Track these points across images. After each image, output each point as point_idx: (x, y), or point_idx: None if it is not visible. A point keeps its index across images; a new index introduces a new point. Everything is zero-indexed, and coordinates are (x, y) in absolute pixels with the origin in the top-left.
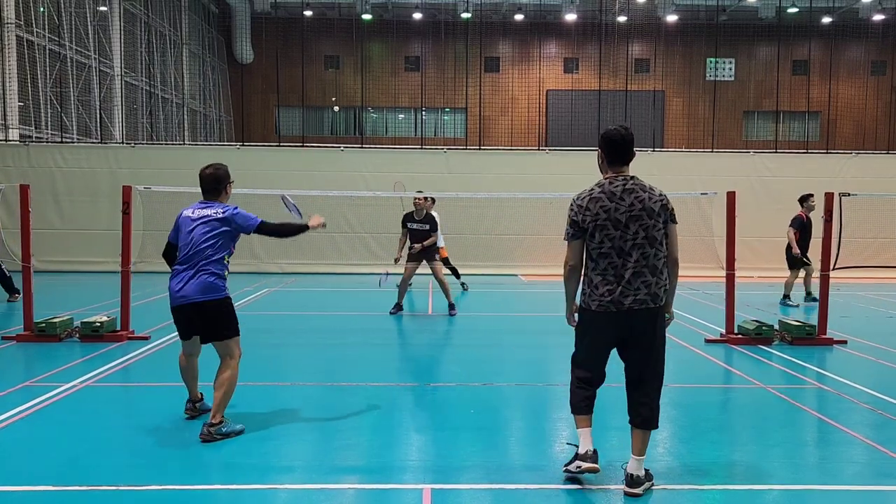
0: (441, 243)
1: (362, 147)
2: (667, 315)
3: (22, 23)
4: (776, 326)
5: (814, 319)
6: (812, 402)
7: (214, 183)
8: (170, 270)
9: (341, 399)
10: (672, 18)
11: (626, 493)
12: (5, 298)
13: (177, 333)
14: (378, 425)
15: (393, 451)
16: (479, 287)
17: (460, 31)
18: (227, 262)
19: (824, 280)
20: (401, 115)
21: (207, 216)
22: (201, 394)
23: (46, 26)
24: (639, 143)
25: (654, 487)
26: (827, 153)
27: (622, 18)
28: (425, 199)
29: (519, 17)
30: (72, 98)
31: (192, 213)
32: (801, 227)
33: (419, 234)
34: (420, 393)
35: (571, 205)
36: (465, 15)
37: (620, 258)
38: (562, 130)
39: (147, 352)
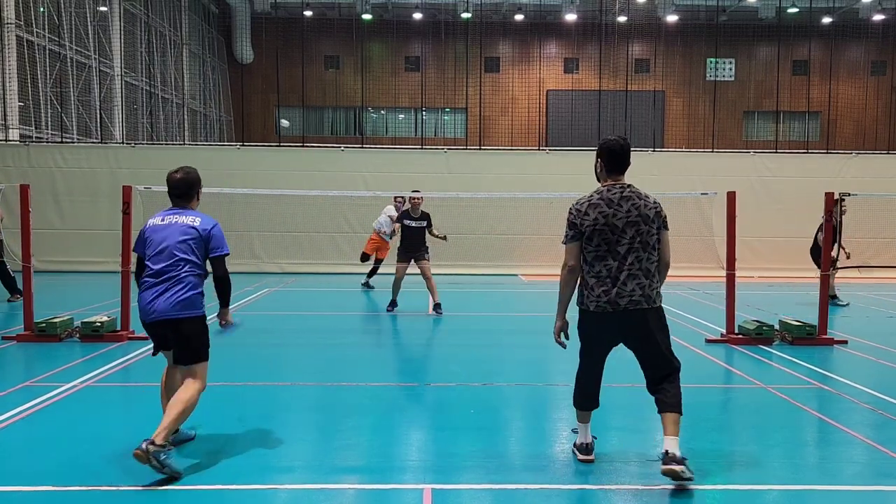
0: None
1: (362, 147)
2: None
3: (22, 23)
4: (776, 326)
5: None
6: (812, 402)
7: (185, 188)
8: None
9: (341, 399)
10: (672, 18)
11: (667, 473)
12: (5, 298)
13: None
14: (378, 425)
15: (393, 451)
16: (479, 287)
17: (460, 31)
18: (206, 274)
19: (824, 280)
20: (401, 115)
21: (183, 224)
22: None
23: (46, 26)
24: (639, 144)
25: (654, 487)
26: (827, 153)
27: (622, 18)
28: (421, 198)
29: (519, 17)
30: (72, 98)
31: (162, 220)
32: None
33: (416, 231)
34: (420, 393)
35: (571, 209)
36: (465, 15)
37: (616, 261)
38: (562, 130)
39: (147, 352)
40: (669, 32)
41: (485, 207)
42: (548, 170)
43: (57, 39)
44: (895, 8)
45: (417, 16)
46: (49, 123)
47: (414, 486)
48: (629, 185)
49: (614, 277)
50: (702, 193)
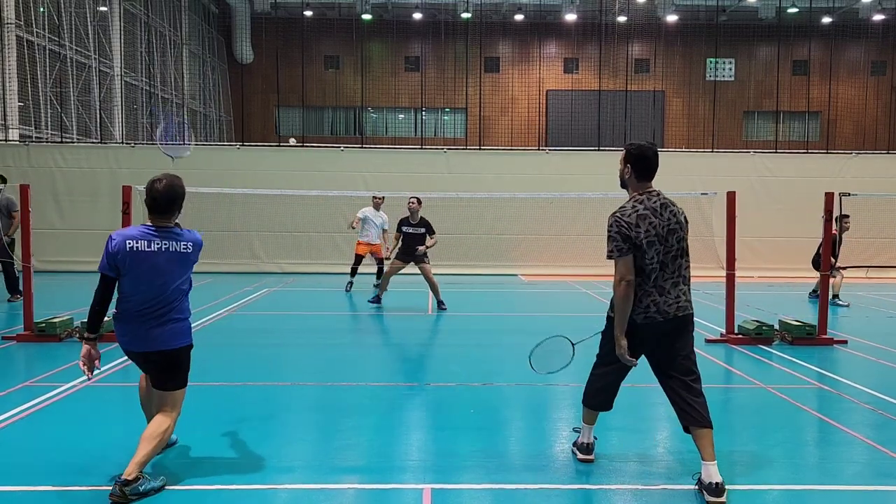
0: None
1: (362, 147)
2: None
3: (22, 23)
4: (776, 326)
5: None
6: (812, 401)
7: (170, 200)
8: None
9: (341, 399)
10: (672, 18)
11: None
12: (5, 298)
13: None
14: (378, 425)
15: (393, 451)
16: (479, 287)
17: (460, 31)
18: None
19: (824, 280)
20: (401, 115)
21: (178, 252)
22: None
23: (46, 26)
24: None
25: (654, 487)
26: (827, 153)
27: (622, 18)
28: (418, 201)
29: (519, 17)
30: (72, 98)
31: (148, 245)
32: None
33: (416, 238)
34: (420, 393)
35: (618, 221)
36: (465, 15)
37: (662, 271)
38: (562, 130)
39: None
40: (669, 32)
41: (485, 207)
42: (547, 170)
43: (57, 39)
44: (895, 8)
45: (417, 16)
46: (49, 123)
47: (414, 486)
48: (661, 192)
49: (660, 287)
50: (702, 193)
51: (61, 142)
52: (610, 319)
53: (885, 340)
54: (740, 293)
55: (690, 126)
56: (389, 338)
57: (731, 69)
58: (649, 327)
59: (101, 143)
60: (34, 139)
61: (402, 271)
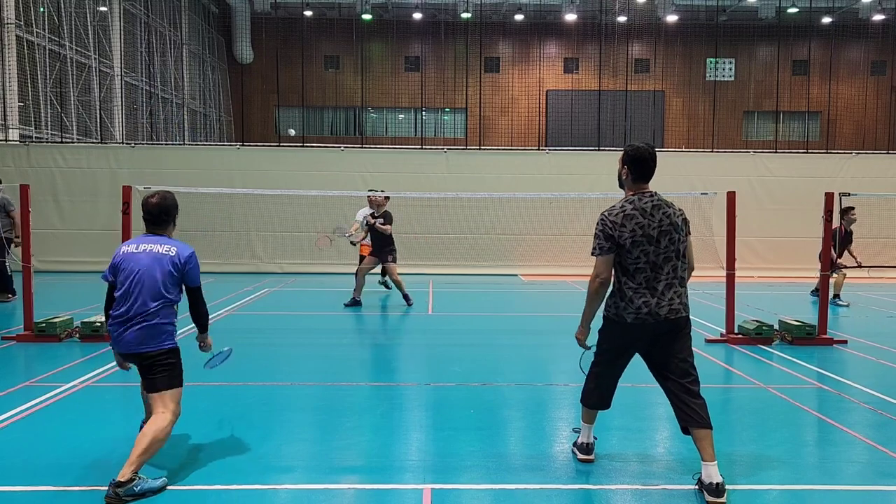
0: (367, 240)
1: (362, 147)
2: None
3: (22, 23)
4: (776, 326)
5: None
6: (812, 401)
7: (162, 214)
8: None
9: (341, 399)
10: (672, 18)
11: None
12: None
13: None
14: (378, 425)
15: (393, 451)
16: (479, 287)
17: (460, 31)
18: (177, 309)
19: (824, 280)
20: (401, 115)
21: (158, 254)
22: None
23: (46, 26)
24: None
25: (654, 487)
26: (827, 153)
27: (622, 18)
28: (386, 198)
29: (519, 17)
30: (72, 98)
31: (136, 248)
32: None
33: (377, 232)
34: (420, 393)
35: (604, 220)
36: (465, 15)
37: (653, 272)
38: (562, 130)
39: None
40: (669, 32)
41: (484, 207)
42: (547, 170)
43: (57, 39)
44: (895, 8)
45: (417, 16)
46: (49, 123)
47: (414, 486)
48: (656, 193)
49: (653, 288)
50: (702, 193)
51: (61, 142)
52: (606, 318)
53: (885, 340)
54: (740, 293)
55: (690, 126)
56: (389, 338)
57: (730, 69)
58: (640, 328)
59: (101, 143)
60: (34, 139)
61: (402, 272)
